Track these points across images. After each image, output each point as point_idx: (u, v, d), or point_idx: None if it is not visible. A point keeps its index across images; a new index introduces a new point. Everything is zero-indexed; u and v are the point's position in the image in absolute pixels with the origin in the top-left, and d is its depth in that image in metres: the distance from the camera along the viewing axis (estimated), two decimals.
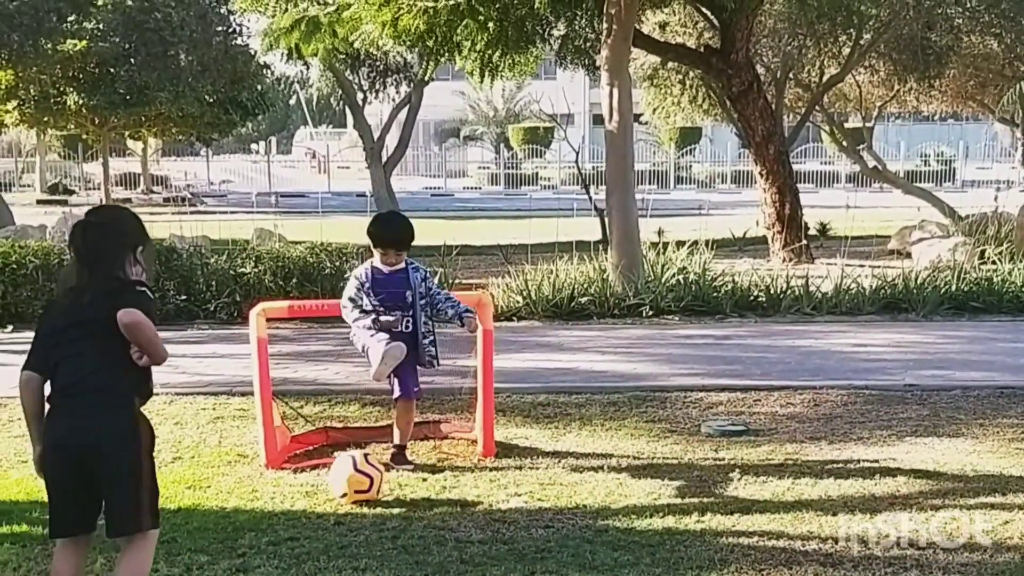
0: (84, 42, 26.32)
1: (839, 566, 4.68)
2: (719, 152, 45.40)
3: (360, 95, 29.52)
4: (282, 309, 7.35)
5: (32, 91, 28.63)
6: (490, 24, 12.99)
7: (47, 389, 3.89)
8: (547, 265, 12.42)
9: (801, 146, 38.63)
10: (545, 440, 6.79)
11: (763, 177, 16.76)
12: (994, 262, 13.25)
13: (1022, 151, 28.60)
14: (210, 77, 28.29)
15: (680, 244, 13.52)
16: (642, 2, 14.29)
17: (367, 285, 6.14)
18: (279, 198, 34.31)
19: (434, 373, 6.55)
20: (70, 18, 25.17)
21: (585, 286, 12.02)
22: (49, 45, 24.06)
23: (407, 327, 6.13)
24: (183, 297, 11.60)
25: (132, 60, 28.13)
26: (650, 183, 38.96)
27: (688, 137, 45.23)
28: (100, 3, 26.42)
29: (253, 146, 61.61)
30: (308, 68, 29.94)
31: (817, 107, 21.08)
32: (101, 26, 27.05)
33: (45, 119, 31.79)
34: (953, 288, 12.16)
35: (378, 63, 27.75)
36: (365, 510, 5.43)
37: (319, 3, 14.06)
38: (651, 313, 11.63)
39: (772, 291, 12.21)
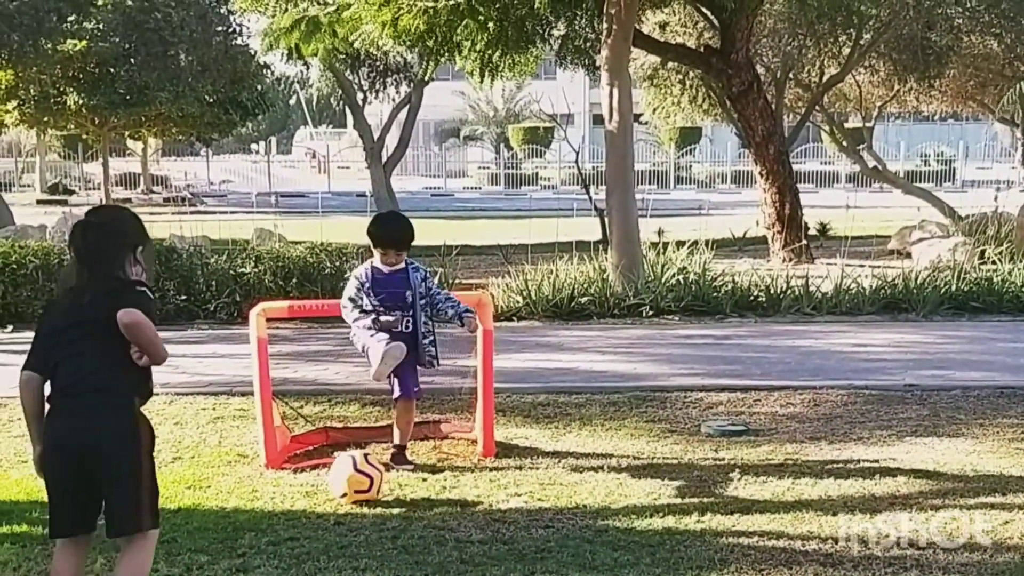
0: (84, 42, 26.33)
1: (839, 566, 4.68)
2: (719, 152, 45.41)
3: (360, 95, 29.53)
4: (282, 309, 7.35)
5: (32, 91, 28.63)
6: (490, 24, 13.00)
7: (47, 389, 3.89)
8: (547, 265, 12.42)
9: (801, 146, 38.63)
10: (545, 440, 6.79)
11: (763, 177, 16.77)
12: (994, 262, 13.25)
13: (1022, 151, 28.60)
14: (210, 77, 28.30)
15: (680, 244, 13.52)
16: (642, 2, 14.28)
17: (367, 285, 6.14)
18: (279, 198, 34.32)
19: (434, 373, 6.55)
20: (70, 18, 25.18)
21: (585, 286, 12.02)
22: (49, 45, 24.07)
23: (407, 327, 6.13)
24: (183, 297, 11.60)
25: (132, 60, 28.14)
26: (650, 183, 38.97)
27: (688, 137, 45.24)
28: (100, 3, 26.43)
29: (253, 146, 61.62)
30: (308, 68, 29.96)
31: (817, 107, 21.08)
32: (101, 26, 27.05)
33: (45, 119, 31.80)
34: (953, 288, 12.16)
35: (378, 63, 27.76)
36: (365, 510, 5.43)
37: (319, 3, 14.06)
38: (651, 313, 11.63)
39: (772, 291, 12.21)
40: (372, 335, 6.04)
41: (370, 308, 6.12)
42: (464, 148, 52.96)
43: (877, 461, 6.23)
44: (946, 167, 42.13)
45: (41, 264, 11.41)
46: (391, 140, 30.07)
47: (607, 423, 7.19)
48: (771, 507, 5.41)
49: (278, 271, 11.88)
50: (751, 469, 6.07)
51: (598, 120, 27.36)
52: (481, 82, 15.07)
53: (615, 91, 12.46)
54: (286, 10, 14.39)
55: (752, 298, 12.16)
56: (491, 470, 6.12)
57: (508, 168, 45.39)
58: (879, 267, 13.38)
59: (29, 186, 41.32)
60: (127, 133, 37.99)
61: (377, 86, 29.22)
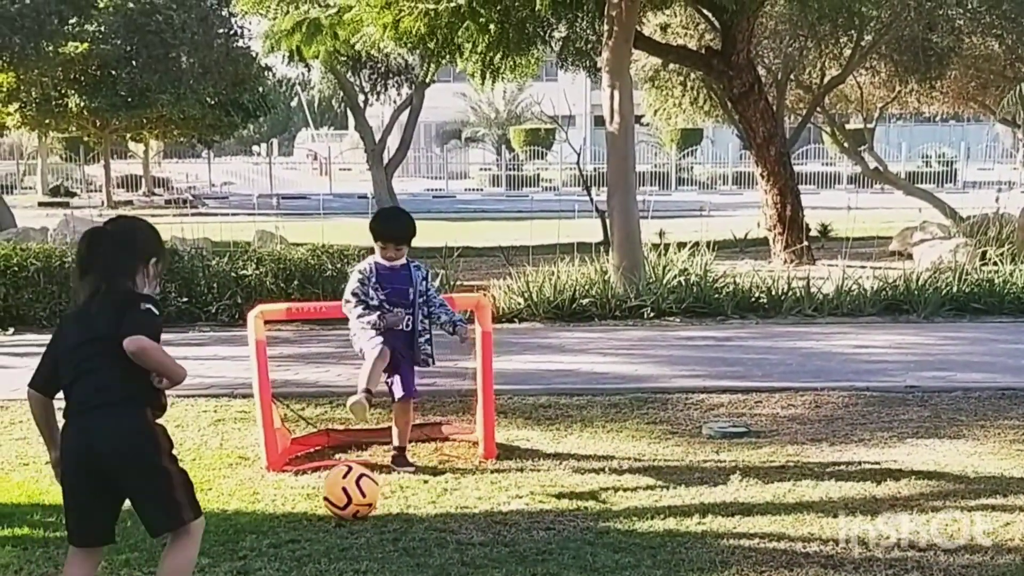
0: (85, 44, 26.38)
1: (840, 568, 4.68)
2: (720, 153, 45.41)
3: (361, 97, 29.53)
4: (280, 311, 7.35)
5: (34, 93, 28.70)
6: (491, 26, 13.00)
7: (59, 401, 3.90)
8: (548, 266, 12.42)
9: (802, 147, 38.63)
10: (546, 442, 6.79)
11: (764, 178, 16.77)
12: (995, 263, 13.25)
13: (1023, 152, 28.58)
14: (211, 79, 28.35)
15: (681, 245, 13.52)
16: (643, 4, 14.28)
17: (372, 280, 6.12)
18: (280, 200, 34.34)
19: (435, 375, 6.55)
20: (71, 21, 25.22)
21: (586, 288, 12.02)
22: (50, 48, 24.11)
23: (407, 325, 6.13)
24: (184, 299, 11.61)
25: (133, 62, 28.19)
26: (651, 184, 38.94)
27: (689, 138, 45.25)
28: (101, 5, 26.49)
29: (255, 148, 61.69)
30: (309, 70, 29.92)
31: (818, 108, 21.07)
32: (102, 29, 27.11)
33: (47, 121, 31.86)
34: (954, 289, 12.16)
35: (379, 65, 27.76)
36: None
37: (320, 5, 14.09)
38: (652, 315, 11.63)
39: (773, 292, 12.21)
40: (370, 338, 6.02)
41: (376, 303, 6.09)
42: (465, 150, 52.99)
43: (878, 463, 6.23)
44: (947, 168, 42.15)
45: (43, 266, 11.42)
46: (392, 142, 30.07)
47: (608, 425, 7.19)
48: (772, 509, 5.41)
49: (279, 273, 11.89)
50: (752, 471, 6.07)
51: (599, 122, 27.38)
52: (482, 84, 15.07)
53: (616, 93, 12.46)
54: (287, 12, 14.42)
55: (753, 300, 12.16)
56: (492, 472, 6.12)
57: (509, 170, 45.41)
58: (880, 268, 13.37)
59: (31, 188, 41.36)
60: (128, 135, 38.09)
61: (378, 88, 29.22)
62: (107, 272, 3.85)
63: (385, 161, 29.12)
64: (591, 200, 18.61)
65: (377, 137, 28.90)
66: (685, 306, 11.78)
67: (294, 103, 71.96)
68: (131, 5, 27.57)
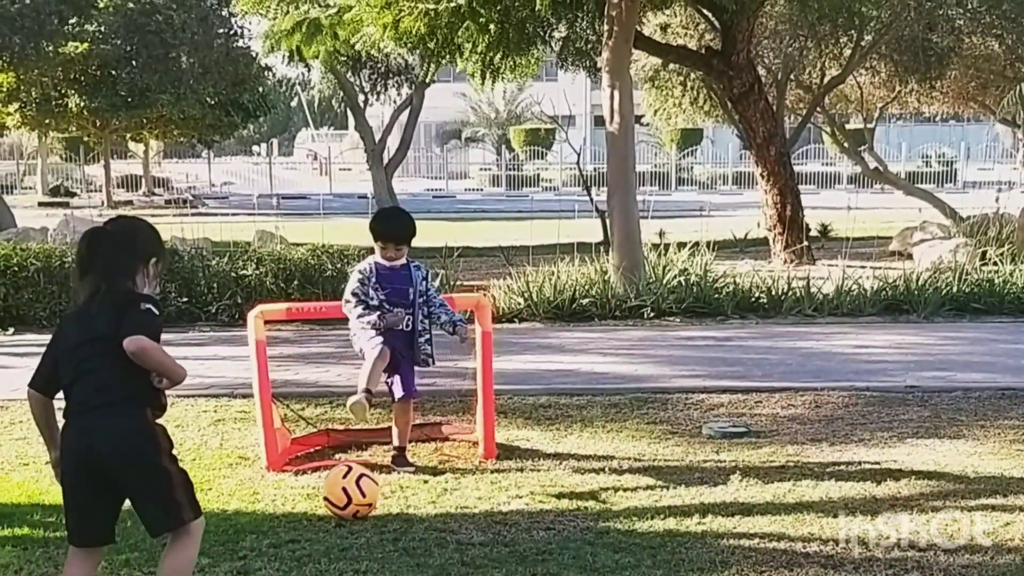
0: (85, 44, 26.38)
1: (840, 568, 4.68)
2: (720, 153, 45.41)
3: (361, 97, 29.53)
4: (280, 311, 7.35)
5: (34, 93, 28.70)
6: (491, 26, 13.00)
7: (58, 401, 3.91)
8: (548, 266, 12.42)
9: (802, 147, 38.63)
10: (546, 442, 6.79)
11: (764, 178, 16.77)
12: (995, 263, 13.25)
13: (1023, 152, 28.58)
14: (211, 79, 28.36)
15: (681, 245, 13.52)
16: (643, 4, 14.28)
17: (372, 280, 6.12)
18: (280, 200, 34.35)
19: (435, 375, 6.55)
20: (71, 21, 25.22)
21: (586, 288, 12.02)
22: (50, 48, 24.11)
23: (407, 325, 6.13)
24: (184, 299, 11.61)
25: (133, 62, 28.20)
26: (651, 184, 38.94)
27: (689, 138, 45.26)
28: (101, 6, 26.49)
29: (255, 148, 61.70)
30: (309, 70, 29.93)
31: (818, 108, 21.07)
32: (102, 29, 27.11)
33: (47, 121, 31.87)
34: (954, 289, 12.16)
35: (379, 65, 27.76)
36: None
37: (320, 5, 14.08)
38: (652, 315, 11.63)
39: (773, 292, 12.21)
40: (370, 338, 6.02)
41: (376, 303, 6.09)
42: (465, 150, 52.99)
43: (878, 463, 6.23)
44: (947, 168, 42.16)
45: (43, 266, 11.42)
46: (392, 142, 30.07)
47: (608, 425, 7.19)
48: (772, 509, 5.41)
49: (279, 273, 11.89)
50: (752, 471, 6.07)
51: (599, 122, 27.39)
52: (482, 84, 15.08)
53: (616, 93, 12.46)
54: (287, 12, 14.42)
55: (753, 300, 12.16)
56: (492, 472, 6.12)
57: (509, 170, 45.42)
58: (880, 268, 13.38)
59: (31, 188, 41.36)
60: (128, 135, 38.10)
61: (378, 88, 29.23)
62: (107, 272, 3.84)
63: (385, 161, 29.12)
64: (591, 200, 18.61)
65: (377, 137, 28.90)
66: (685, 306, 11.78)
67: (294, 103, 71.98)
68: (131, 5, 27.57)
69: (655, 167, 43.66)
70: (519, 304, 11.83)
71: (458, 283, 12.76)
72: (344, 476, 5.33)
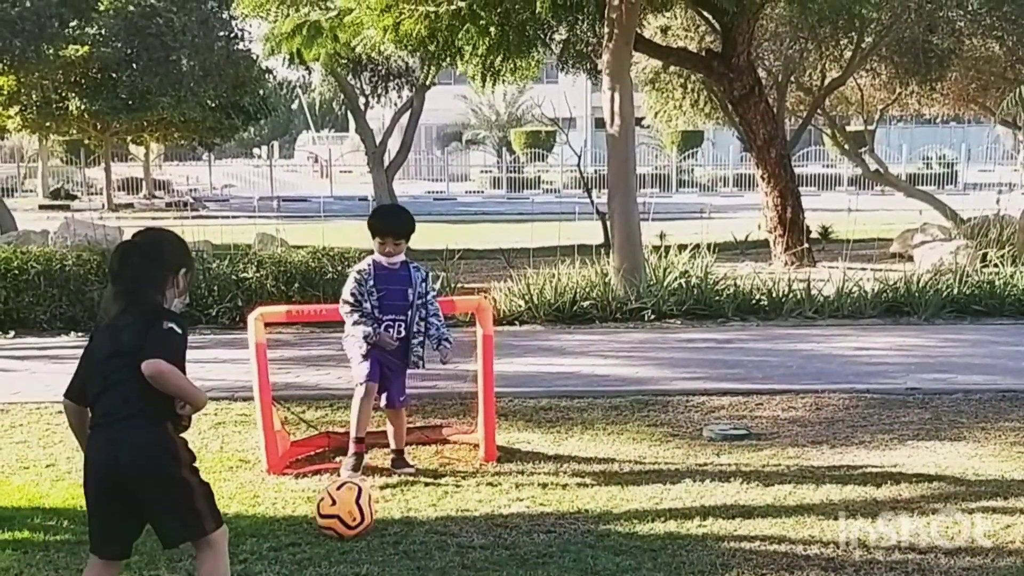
0: (86, 47, 26.40)
1: (841, 570, 4.68)
2: (721, 155, 45.44)
3: (362, 99, 29.52)
4: (280, 314, 7.35)
5: (34, 96, 28.71)
6: (491, 29, 13.01)
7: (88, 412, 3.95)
8: (549, 269, 12.41)
9: (803, 149, 38.63)
10: (547, 444, 6.79)
11: (765, 180, 16.77)
12: (996, 265, 13.24)
13: None
14: (212, 82, 28.36)
15: (682, 248, 13.51)
16: (643, 6, 14.28)
17: (370, 282, 6.12)
18: (281, 202, 34.33)
19: (435, 377, 6.55)
20: (72, 23, 25.21)
21: (587, 290, 12.02)
22: (51, 50, 24.10)
23: (400, 332, 6.12)
24: (185, 302, 11.58)
25: (134, 65, 28.20)
26: (652, 187, 38.97)
27: (690, 141, 45.28)
28: (102, 8, 26.47)
29: (255, 150, 61.67)
30: (310, 73, 29.91)
31: (819, 110, 21.08)
32: (103, 31, 27.13)
33: (47, 124, 31.87)
34: (955, 291, 12.15)
35: (380, 68, 27.76)
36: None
37: (321, 8, 14.08)
38: (653, 317, 11.63)
39: (774, 295, 12.21)
40: (359, 362, 6.08)
41: (370, 308, 6.09)
42: (466, 152, 53.00)
43: (879, 465, 6.23)
44: (948, 170, 42.16)
45: (43, 270, 11.41)
46: (393, 144, 30.05)
47: (609, 427, 7.19)
48: (773, 511, 5.41)
49: (280, 276, 11.88)
50: (753, 473, 6.07)
51: (600, 124, 27.34)
52: (483, 86, 15.09)
53: (617, 95, 12.46)
54: (288, 15, 14.41)
55: (754, 302, 12.16)
56: (493, 475, 6.12)
57: (510, 172, 45.44)
58: (881, 270, 13.37)
59: (31, 191, 41.35)
60: (129, 138, 38.09)
61: (379, 90, 29.22)
62: (136, 284, 3.89)
63: (386, 163, 29.11)
64: (592, 202, 18.60)
65: (378, 139, 28.89)
66: (686, 308, 11.78)
67: (295, 106, 72.01)
68: (131, 8, 27.58)
69: (656, 169, 43.69)
70: (520, 306, 11.83)
71: (459, 285, 12.75)
72: (358, 498, 5.18)
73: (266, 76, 32.77)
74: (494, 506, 5.57)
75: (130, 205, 36.87)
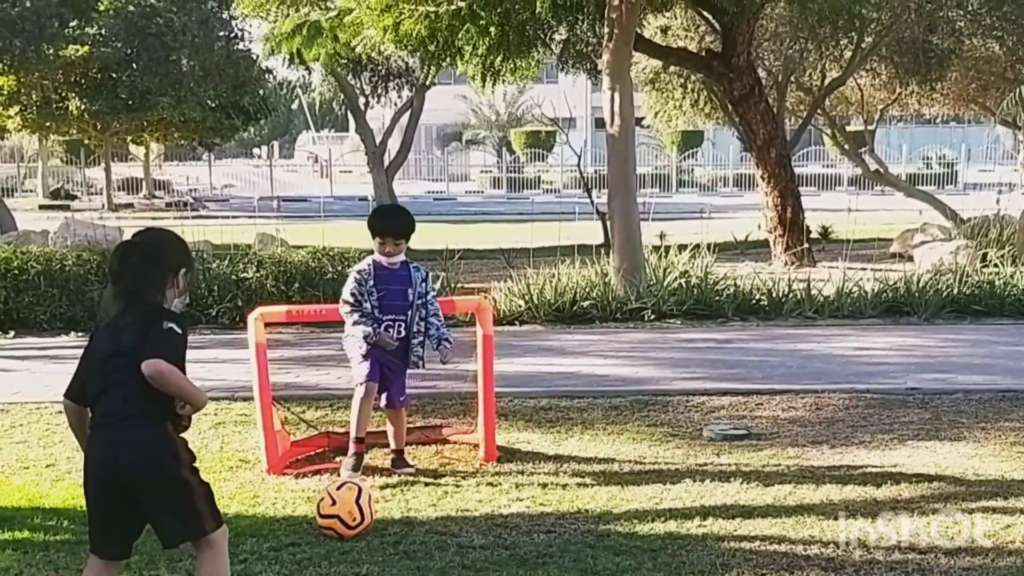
0: (86, 47, 26.40)
1: (841, 570, 4.68)
2: (721, 155, 45.44)
3: (362, 99, 29.52)
4: (280, 314, 7.35)
5: (34, 96, 28.71)
6: (491, 29, 13.01)
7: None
8: (549, 269, 12.41)
9: (803, 149, 38.63)
10: (547, 444, 6.79)
11: (765, 180, 16.77)
12: (996, 265, 13.25)
13: None
14: (212, 82, 28.37)
15: (682, 248, 13.51)
16: (643, 6, 14.28)
17: (370, 282, 6.12)
18: (281, 202, 34.32)
19: (435, 377, 6.55)
20: (72, 23, 25.21)
21: (587, 290, 12.02)
22: (51, 50, 24.10)
23: (399, 332, 6.12)
24: (185, 302, 11.58)
25: (134, 65, 28.20)
26: (652, 186, 38.97)
27: (690, 140, 45.28)
28: (102, 8, 26.47)
29: (255, 150, 61.67)
30: (310, 73, 29.92)
31: (819, 110, 21.08)
32: (103, 31, 27.13)
33: (47, 124, 31.87)
34: (955, 291, 12.15)
35: (380, 68, 27.76)
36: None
37: (321, 8, 14.08)
38: (653, 317, 11.63)
39: (774, 295, 12.21)
40: (359, 361, 6.09)
41: (370, 308, 6.09)
42: (466, 152, 53.00)
43: (879, 465, 6.23)
44: (948, 170, 42.16)
45: (43, 270, 11.41)
46: (393, 144, 30.05)
47: (609, 427, 7.19)
48: (773, 511, 5.41)
49: (280, 276, 11.88)
50: (753, 473, 6.08)
51: (600, 124, 27.34)
52: (483, 86, 15.09)
53: (617, 95, 12.46)
54: (288, 15, 14.41)
55: (754, 302, 12.16)
56: (493, 475, 6.12)
57: (510, 172, 45.44)
58: (881, 270, 13.38)
59: (31, 191, 41.35)
60: (129, 138, 38.09)
61: (379, 90, 29.22)
62: (136, 284, 3.90)
63: (386, 163, 29.11)
64: (592, 202, 18.60)
65: (378, 139, 28.89)
66: (686, 308, 11.78)
67: (295, 106, 72.01)
68: (131, 8, 27.58)
69: (656, 169, 43.70)
70: (520, 306, 11.83)
71: (459, 285, 12.75)
72: (358, 498, 5.17)
73: (266, 76, 32.78)
74: (494, 506, 5.57)
75: (130, 205, 36.87)
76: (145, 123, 32.20)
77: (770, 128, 16.45)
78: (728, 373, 8.98)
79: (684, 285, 12.15)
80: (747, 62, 15.99)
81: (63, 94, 29.07)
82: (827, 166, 42.60)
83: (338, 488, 5.25)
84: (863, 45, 18.37)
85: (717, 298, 12.05)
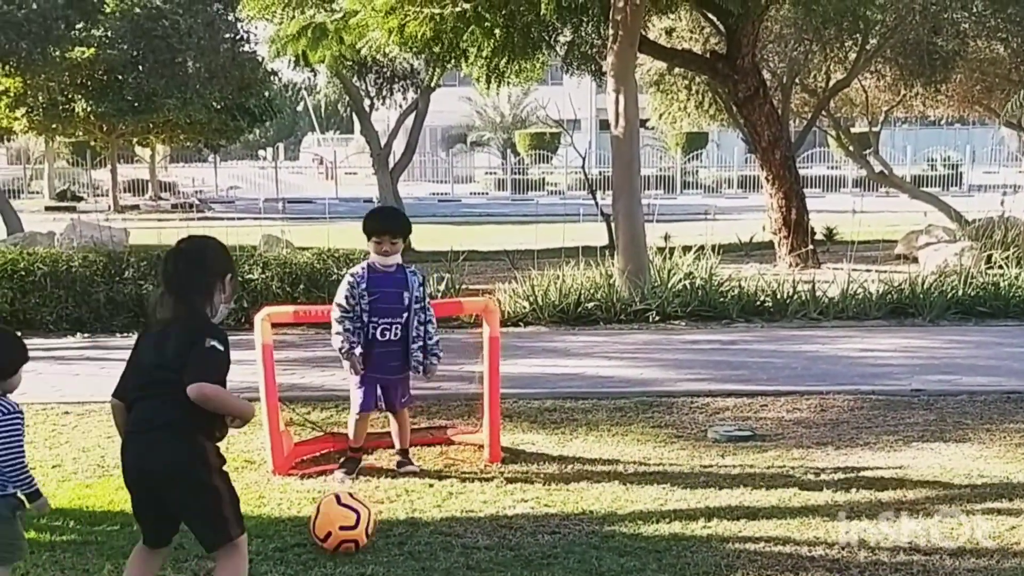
0: (92, 49, 26.40)
1: (845, 571, 4.69)
2: (725, 157, 45.40)
3: (367, 101, 29.52)
4: (287, 314, 7.37)
5: (40, 98, 28.73)
6: (496, 31, 13.02)
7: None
8: (554, 270, 12.43)
9: (807, 151, 38.58)
10: (552, 446, 6.80)
11: (769, 182, 16.76)
12: (1001, 267, 13.22)
13: None
14: (218, 84, 28.37)
15: (686, 249, 13.52)
16: (648, 8, 14.29)
17: (362, 285, 6.11)
18: (286, 204, 34.34)
19: (440, 378, 6.56)
20: (78, 26, 25.26)
21: (592, 291, 12.02)
22: (57, 52, 24.15)
23: (396, 335, 6.12)
24: (231, 306, 11.57)
25: (140, 67, 28.20)
26: (657, 188, 38.93)
27: (695, 142, 45.28)
28: (108, 11, 26.52)
29: (261, 152, 61.74)
30: (315, 75, 29.99)
31: (823, 112, 21.05)
32: (109, 33, 27.12)
33: (53, 126, 31.88)
34: (960, 293, 12.15)
35: (385, 70, 27.75)
36: None
37: (326, 10, 14.10)
38: (657, 318, 11.63)
39: (779, 296, 12.21)
40: (357, 385, 6.15)
41: (365, 316, 6.07)
42: (471, 154, 53.02)
43: (883, 466, 6.24)
44: (952, 172, 42.09)
45: (49, 271, 11.44)
46: (398, 146, 30.03)
47: (614, 428, 7.19)
48: (777, 513, 5.42)
49: (285, 277, 11.90)
50: (757, 475, 6.08)
51: (604, 125, 27.42)
52: (488, 88, 15.09)
53: (621, 97, 12.47)
54: (293, 17, 14.43)
55: (759, 303, 12.15)
56: (497, 476, 6.12)
57: (515, 174, 45.40)
58: (886, 272, 13.37)
59: (38, 193, 41.41)
60: (135, 140, 38.10)
61: (384, 92, 29.20)
62: (183, 290, 3.98)
63: (391, 165, 29.10)
64: (596, 204, 18.60)
65: (383, 141, 28.87)
66: (690, 310, 11.78)
67: (300, 107, 72.05)
68: (137, 10, 27.57)
69: (660, 171, 43.68)
70: (524, 308, 11.84)
71: (463, 287, 12.76)
72: (338, 500, 5.04)
73: (271, 78, 32.77)
74: (499, 507, 5.58)
75: (136, 207, 36.91)
76: (151, 125, 32.21)
77: (775, 130, 16.44)
78: (733, 374, 8.98)
79: (688, 286, 12.15)
80: (752, 64, 15.98)
81: (69, 96, 29.09)
82: (832, 168, 42.53)
83: (317, 510, 5.06)
84: (868, 47, 18.36)
85: (722, 299, 12.05)
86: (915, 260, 15.80)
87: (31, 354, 4.26)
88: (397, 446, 6.31)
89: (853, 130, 25.32)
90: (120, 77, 28.50)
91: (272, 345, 6.45)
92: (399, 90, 29.27)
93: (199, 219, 19.84)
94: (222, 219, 23.25)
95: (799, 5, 15.45)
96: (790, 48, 19.56)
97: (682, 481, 5.97)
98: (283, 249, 14.05)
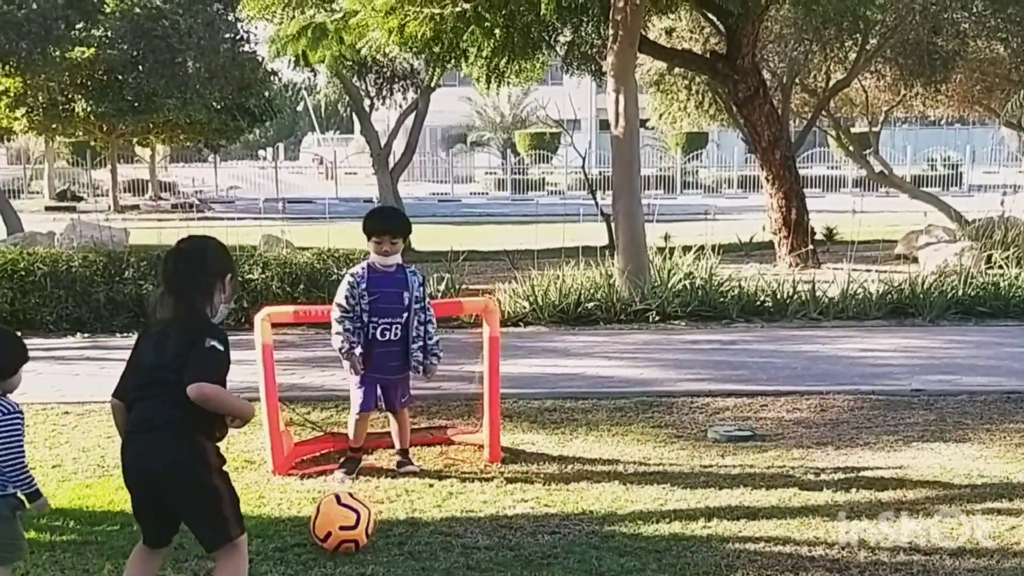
0: (92, 49, 26.40)
1: (845, 571, 4.69)
2: (726, 157, 45.40)
3: (367, 101, 29.52)
4: (287, 314, 7.37)
5: (40, 98, 28.73)
6: (496, 31, 13.02)
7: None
8: (554, 270, 12.43)
9: (807, 151, 38.58)
10: (552, 446, 6.80)
11: (769, 182, 16.76)
12: (1001, 267, 13.23)
13: None
14: (218, 84, 28.37)
15: (686, 249, 13.52)
16: (648, 8, 14.29)
17: (362, 285, 6.11)
18: (286, 204, 34.35)
19: (440, 378, 6.55)
20: (78, 26, 25.27)
21: (592, 291, 12.03)
22: (57, 52, 24.16)
23: (396, 335, 6.12)
24: (231, 306, 11.57)
25: (140, 67, 28.21)
26: (657, 188, 38.93)
27: (695, 142, 45.27)
28: (108, 11, 26.52)
29: (261, 152, 61.74)
30: (315, 75, 29.99)
31: (823, 112, 21.06)
32: (109, 33, 27.12)
33: (53, 126, 31.89)
34: (960, 293, 12.15)
35: (385, 70, 27.75)
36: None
37: (326, 10, 14.10)
38: (657, 318, 11.63)
39: (779, 296, 12.21)
40: (357, 386, 6.15)
41: (364, 316, 6.08)
42: (471, 154, 53.02)
43: (883, 466, 6.24)
44: (952, 172, 42.09)
45: (49, 271, 11.44)
46: (398, 146, 30.03)
47: (614, 428, 7.20)
48: (778, 513, 5.42)
49: (285, 277, 11.90)
50: (757, 475, 6.08)
51: (604, 125, 27.43)
52: (487, 88, 15.09)
53: (621, 97, 12.47)
54: (293, 17, 14.43)
55: (759, 303, 12.15)
56: (497, 476, 6.13)
57: (515, 174, 45.40)
58: (886, 272, 13.37)
59: (38, 193, 41.41)
60: (135, 140, 38.10)
61: (384, 92, 29.20)
62: (183, 290, 3.99)
63: (391, 165, 29.11)
64: (596, 204, 18.60)
65: (383, 141, 28.87)
66: (690, 310, 11.78)
67: (300, 107, 72.06)
68: (137, 10, 27.58)
69: (660, 171, 43.69)
70: (524, 308, 11.84)
71: (463, 287, 12.76)
72: (338, 500, 5.05)
73: (271, 78, 32.77)
74: (499, 507, 5.58)
75: (136, 207, 36.92)
76: (151, 125, 32.22)
77: (775, 130, 16.44)
78: (733, 374, 8.98)
79: (689, 286, 12.15)
80: (752, 64, 15.99)
81: (69, 96, 29.09)
82: (832, 168, 42.54)
83: (317, 510, 5.07)
84: (868, 47, 18.36)
85: (722, 299, 12.05)
86: (915, 260, 15.80)
87: (31, 354, 4.26)
88: (397, 446, 6.31)
89: (853, 130, 25.33)
90: (120, 77, 28.50)
91: (272, 345, 6.45)
92: (399, 90, 29.26)
93: (199, 219, 19.84)
94: (222, 219, 23.25)
95: (799, 5, 15.46)
96: (790, 48, 19.56)
97: (682, 481, 5.97)
98: (283, 249, 14.05)
